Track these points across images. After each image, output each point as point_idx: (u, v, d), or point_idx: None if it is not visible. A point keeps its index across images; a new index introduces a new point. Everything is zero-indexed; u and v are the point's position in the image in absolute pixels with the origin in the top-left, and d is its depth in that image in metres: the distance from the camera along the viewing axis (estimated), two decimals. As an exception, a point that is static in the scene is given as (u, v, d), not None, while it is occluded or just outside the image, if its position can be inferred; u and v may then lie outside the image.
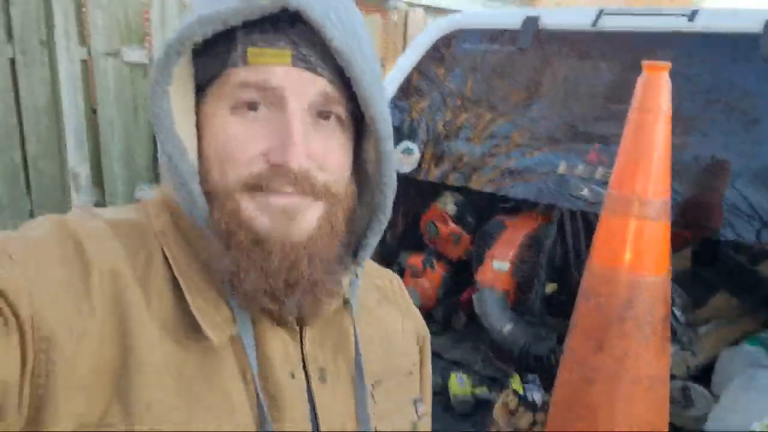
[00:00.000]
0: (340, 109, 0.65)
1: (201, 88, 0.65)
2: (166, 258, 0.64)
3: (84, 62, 3.44)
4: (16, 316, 0.54)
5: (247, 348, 0.62)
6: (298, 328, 0.68)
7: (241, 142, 0.61)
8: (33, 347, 0.54)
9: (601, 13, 2.03)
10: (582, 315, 1.51)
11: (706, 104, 1.81)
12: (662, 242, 1.46)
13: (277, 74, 0.60)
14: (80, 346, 0.56)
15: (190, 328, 0.62)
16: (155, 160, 3.80)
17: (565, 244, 2.29)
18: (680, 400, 1.92)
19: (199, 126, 0.64)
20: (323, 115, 0.64)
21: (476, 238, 2.45)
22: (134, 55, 3.62)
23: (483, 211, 2.55)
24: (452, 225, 2.49)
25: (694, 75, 1.83)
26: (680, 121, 1.75)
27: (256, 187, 0.61)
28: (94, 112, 3.57)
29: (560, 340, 2.09)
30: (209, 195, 0.63)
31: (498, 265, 2.24)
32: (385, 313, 0.81)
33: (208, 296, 0.63)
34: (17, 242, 0.58)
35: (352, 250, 0.70)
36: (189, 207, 0.63)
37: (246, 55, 0.60)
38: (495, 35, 2.24)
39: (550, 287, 2.28)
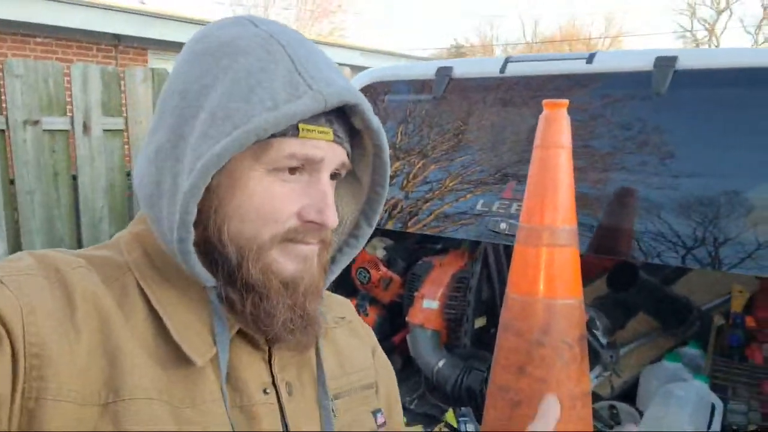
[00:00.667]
0: (344, 173, 0.77)
1: None
2: (140, 288, 0.70)
3: (1, 132, 3.39)
4: (9, 334, 0.58)
5: (221, 369, 0.69)
6: (267, 348, 0.75)
7: (280, 201, 0.70)
8: (24, 364, 0.58)
9: (507, 61, 2.17)
10: (503, 343, 1.57)
11: (612, 140, 1.94)
12: (573, 267, 1.54)
13: (322, 148, 0.70)
14: (69, 364, 0.60)
15: (172, 353, 0.67)
16: (78, 227, 3.75)
17: (491, 278, 2.38)
18: (608, 419, 1.99)
19: (219, 183, 0.69)
20: (333, 176, 0.74)
21: (406, 281, 2.51)
22: (55, 123, 3.59)
23: (413, 254, 2.62)
24: (383, 269, 2.55)
25: (603, 113, 1.97)
26: (591, 157, 1.88)
27: (288, 239, 0.71)
28: (12, 182, 3.50)
29: (489, 372, 2.15)
30: (235, 248, 0.69)
31: (427, 304, 2.30)
32: (340, 333, 0.90)
33: (186, 324, 0.69)
34: (6, 270, 0.63)
35: None
36: (179, 259, 0.68)
37: (297, 130, 0.68)
38: (417, 86, 2.36)
39: (479, 321, 2.35)
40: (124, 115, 3.93)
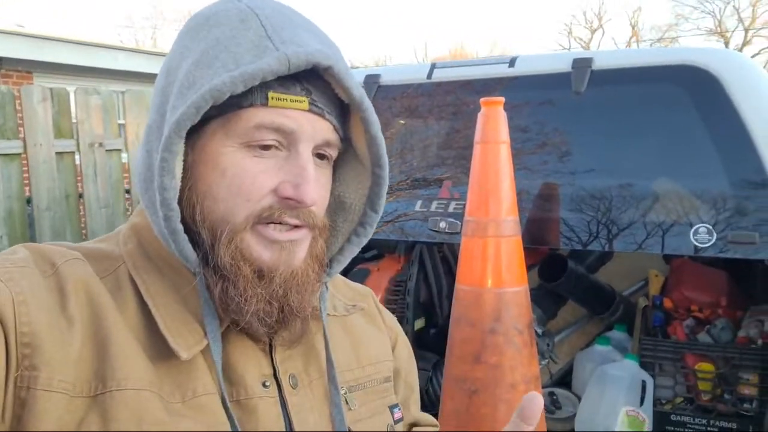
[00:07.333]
0: (334, 153, 0.72)
1: (199, 124, 0.66)
2: (132, 281, 0.68)
3: None
4: (1, 323, 0.57)
5: (216, 362, 0.65)
6: (268, 339, 0.71)
7: (253, 177, 0.65)
8: (16, 353, 0.58)
9: (433, 67, 2.24)
10: (457, 335, 1.62)
11: (530, 138, 2.05)
12: (518, 256, 1.62)
13: (295, 119, 0.65)
14: (61, 354, 0.59)
15: (162, 345, 0.65)
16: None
17: (428, 279, 2.42)
18: (548, 406, 2.08)
19: (193, 160, 0.66)
20: (320, 156, 0.70)
21: (343, 288, 2.51)
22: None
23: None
24: (317, 279, 2.54)
25: (528, 113, 2.07)
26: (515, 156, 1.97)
27: (263, 219, 0.66)
28: None
29: (435, 370, 2.19)
30: (207, 229, 0.66)
31: (367, 309, 2.31)
32: (357, 323, 0.86)
33: (176, 315, 0.67)
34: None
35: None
36: (168, 240, 0.66)
37: (267, 99, 0.64)
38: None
39: (419, 323, 2.39)
40: (21, 137, 3.70)
